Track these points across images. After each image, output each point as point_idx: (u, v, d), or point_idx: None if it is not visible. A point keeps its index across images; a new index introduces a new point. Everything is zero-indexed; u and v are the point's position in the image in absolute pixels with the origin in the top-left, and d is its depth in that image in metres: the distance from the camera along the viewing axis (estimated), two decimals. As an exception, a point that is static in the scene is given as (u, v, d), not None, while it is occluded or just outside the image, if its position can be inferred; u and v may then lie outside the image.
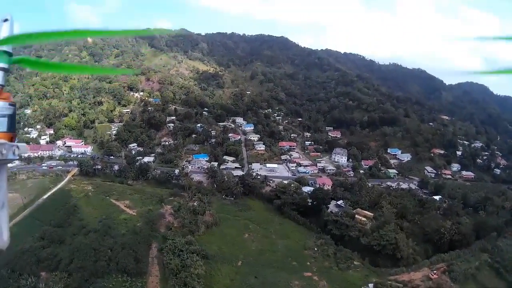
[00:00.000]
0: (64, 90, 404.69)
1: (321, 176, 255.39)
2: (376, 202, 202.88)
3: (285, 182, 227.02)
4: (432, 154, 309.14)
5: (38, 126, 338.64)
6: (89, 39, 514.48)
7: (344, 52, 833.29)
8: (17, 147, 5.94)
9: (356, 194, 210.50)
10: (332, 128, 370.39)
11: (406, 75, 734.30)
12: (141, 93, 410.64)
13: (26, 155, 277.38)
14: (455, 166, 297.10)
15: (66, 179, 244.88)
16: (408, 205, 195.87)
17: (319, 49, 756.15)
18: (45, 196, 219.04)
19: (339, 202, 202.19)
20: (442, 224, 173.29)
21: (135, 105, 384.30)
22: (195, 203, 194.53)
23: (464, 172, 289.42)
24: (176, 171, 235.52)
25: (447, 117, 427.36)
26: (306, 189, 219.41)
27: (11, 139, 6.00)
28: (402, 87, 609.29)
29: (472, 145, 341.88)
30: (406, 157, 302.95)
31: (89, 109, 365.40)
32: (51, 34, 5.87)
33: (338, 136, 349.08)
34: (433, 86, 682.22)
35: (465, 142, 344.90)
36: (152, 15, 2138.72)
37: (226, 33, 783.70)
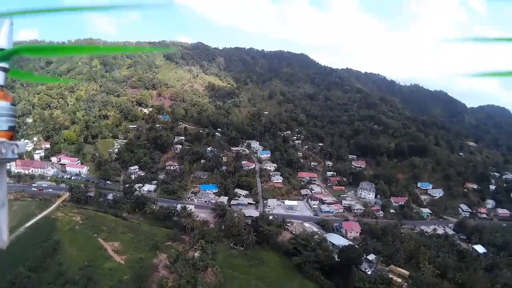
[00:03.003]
0: (70, 101, 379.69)
1: (347, 218, 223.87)
2: (412, 255, 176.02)
3: (306, 225, 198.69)
4: (465, 190, 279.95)
5: (35, 138, 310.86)
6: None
7: (365, 72, 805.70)
8: (16, 145, 6.14)
9: (389, 245, 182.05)
10: (356, 156, 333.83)
11: (428, 97, 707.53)
12: (150, 109, 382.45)
13: (16, 171, 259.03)
14: (490, 203, 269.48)
15: (55, 205, 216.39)
16: (448, 261, 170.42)
17: (339, 68, 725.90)
18: (27, 225, 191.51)
19: (370, 257, 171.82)
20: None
21: (142, 121, 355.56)
22: (196, 254, 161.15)
23: (499, 210, 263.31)
24: (179, 207, 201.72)
25: (473, 144, 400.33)
26: (331, 237, 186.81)
27: (11, 138, 6.18)
28: (424, 110, 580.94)
29: (503, 176, 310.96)
30: (438, 193, 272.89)
31: (93, 123, 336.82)
32: (60, 49, 6.59)
33: (363, 166, 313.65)
34: (455, 109, 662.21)
35: (495, 173, 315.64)
36: (171, 29, 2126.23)
37: (244, 48, 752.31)
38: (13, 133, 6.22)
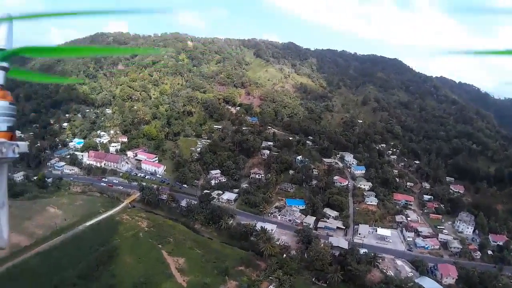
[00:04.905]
0: (153, 95, 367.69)
1: (442, 256, 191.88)
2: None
3: (399, 263, 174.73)
4: None
5: (112, 131, 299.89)
6: (190, 43, 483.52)
7: (459, 82, 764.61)
8: (17, 145, 6.38)
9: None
10: (453, 179, 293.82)
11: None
12: (238, 108, 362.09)
13: (88, 163, 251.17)
14: None
15: (122, 205, 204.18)
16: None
17: (433, 76, 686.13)
18: (88, 223, 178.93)
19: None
20: None
21: (228, 122, 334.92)
22: (271, 287, 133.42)
23: None
24: (258, 226, 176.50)
25: None
26: (426, 282, 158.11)
27: (11, 138, 6.41)
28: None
29: None
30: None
31: (175, 119, 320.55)
32: (59, 50, 6.90)
33: (461, 192, 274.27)
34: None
35: None
36: (259, 27, 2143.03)
37: (336, 50, 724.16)
38: (13, 133, 6.43)
